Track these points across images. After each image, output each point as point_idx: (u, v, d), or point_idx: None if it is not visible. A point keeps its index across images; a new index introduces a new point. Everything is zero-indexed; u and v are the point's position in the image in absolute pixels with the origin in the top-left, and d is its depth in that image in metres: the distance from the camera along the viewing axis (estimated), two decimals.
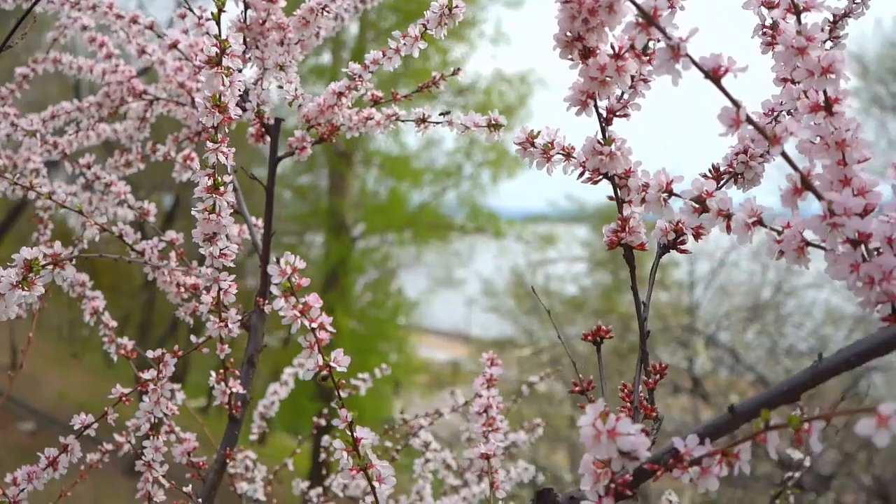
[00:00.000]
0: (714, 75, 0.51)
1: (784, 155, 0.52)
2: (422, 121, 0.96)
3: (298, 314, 0.63)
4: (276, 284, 0.62)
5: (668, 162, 0.71)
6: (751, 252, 8.20)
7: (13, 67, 1.36)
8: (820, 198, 0.52)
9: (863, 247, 0.53)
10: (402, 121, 0.98)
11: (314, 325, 0.63)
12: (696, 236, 0.68)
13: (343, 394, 0.66)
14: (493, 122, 0.85)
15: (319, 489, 1.39)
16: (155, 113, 1.25)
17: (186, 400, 1.15)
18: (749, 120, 0.51)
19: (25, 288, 0.69)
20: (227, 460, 1.01)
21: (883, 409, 0.40)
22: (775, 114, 0.70)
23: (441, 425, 1.62)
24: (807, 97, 0.55)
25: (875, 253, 0.53)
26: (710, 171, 0.70)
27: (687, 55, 0.51)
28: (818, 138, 0.55)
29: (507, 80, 10.63)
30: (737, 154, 0.70)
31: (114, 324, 1.12)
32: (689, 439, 0.53)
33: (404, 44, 0.89)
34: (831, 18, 0.73)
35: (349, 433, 0.66)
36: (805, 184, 0.52)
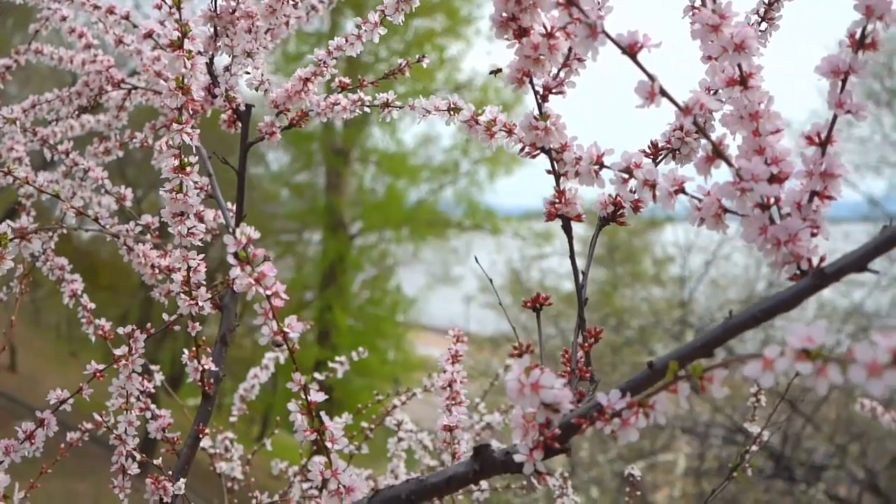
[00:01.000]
0: (630, 51, 0.55)
1: (697, 125, 0.55)
2: (385, 105, 0.99)
3: (254, 282, 0.66)
4: (231, 254, 0.65)
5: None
6: (746, 247, 8.25)
7: None
8: (730, 165, 0.55)
9: (775, 211, 0.57)
10: (368, 106, 1.01)
11: (269, 292, 0.67)
12: (635, 209, 0.71)
13: (291, 357, 0.69)
14: (452, 106, 0.88)
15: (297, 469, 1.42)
16: (133, 102, 1.28)
17: (185, 404, 1.19)
18: (663, 92, 0.54)
19: None
20: (200, 435, 1.04)
21: (768, 353, 0.44)
22: (712, 92, 0.74)
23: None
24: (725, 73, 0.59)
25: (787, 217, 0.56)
26: (648, 146, 0.73)
27: (604, 32, 0.54)
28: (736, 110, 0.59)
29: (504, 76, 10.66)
30: (674, 130, 0.73)
31: (92, 306, 1.15)
32: (611, 394, 0.56)
33: (365, 30, 0.93)
34: (766, 1, 0.77)
35: (304, 396, 0.69)
36: (716, 152, 0.56)
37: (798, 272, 0.55)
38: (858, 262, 0.51)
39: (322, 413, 0.69)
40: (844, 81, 0.56)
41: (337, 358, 1.36)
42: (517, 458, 0.59)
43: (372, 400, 1.40)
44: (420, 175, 12.55)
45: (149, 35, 1.11)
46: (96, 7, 1.17)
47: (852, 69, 0.56)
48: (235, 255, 0.66)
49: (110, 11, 1.16)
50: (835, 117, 0.56)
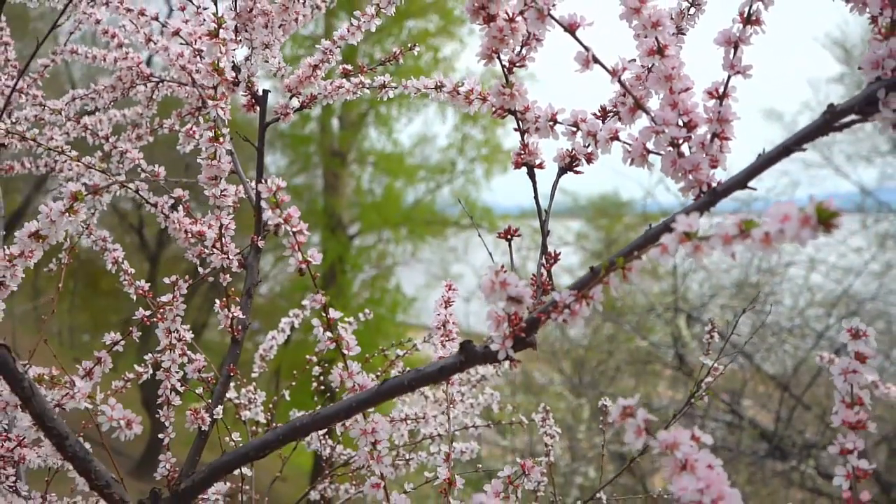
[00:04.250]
0: (571, 29, 0.72)
1: (622, 84, 0.73)
2: (383, 86, 1.16)
3: (283, 221, 0.84)
4: (264, 199, 0.83)
5: None
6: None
7: None
8: (648, 114, 0.73)
9: (686, 149, 0.74)
10: (368, 88, 1.18)
11: (295, 229, 0.84)
12: (588, 160, 0.89)
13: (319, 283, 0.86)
14: (438, 84, 1.06)
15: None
16: (160, 94, 1.46)
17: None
18: (595, 60, 0.72)
19: (71, 214, 0.89)
20: (231, 374, 1.21)
21: (663, 240, 0.61)
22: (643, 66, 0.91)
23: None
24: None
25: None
26: (598, 109, 0.91)
27: (549, 15, 0.71)
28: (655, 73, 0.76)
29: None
30: (619, 96, 0.90)
31: (132, 270, 1.32)
32: (563, 293, 0.73)
33: (364, 21, 1.10)
34: None
35: (325, 314, 0.87)
36: (637, 104, 0.73)
37: (700, 193, 0.72)
38: (742, 181, 0.69)
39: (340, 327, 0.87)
40: (736, 48, 0.73)
41: (346, 319, 1.52)
42: (493, 347, 0.76)
43: (378, 351, 1.57)
44: (417, 175, 12.72)
45: (176, 33, 1.29)
46: (129, 10, 1.34)
47: (741, 39, 0.73)
48: (267, 199, 0.84)
49: (142, 13, 1.34)
50: (729, 76, 0.73)
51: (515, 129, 0.85)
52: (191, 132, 1.43)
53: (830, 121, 0.66)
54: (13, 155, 1.69)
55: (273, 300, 11.39)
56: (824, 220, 0.48)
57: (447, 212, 12.81)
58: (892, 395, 1.87)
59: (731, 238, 0.55)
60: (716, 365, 1.28)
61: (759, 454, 6.10)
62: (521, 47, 0.82)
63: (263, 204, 0.83)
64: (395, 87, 1.14)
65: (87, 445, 0.90)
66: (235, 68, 1.21)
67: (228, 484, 1.32)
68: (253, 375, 1.62)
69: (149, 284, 1.29)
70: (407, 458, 1.43)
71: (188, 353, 1.25)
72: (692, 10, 0.94)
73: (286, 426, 0.81)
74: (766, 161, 0.68)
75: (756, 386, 7.48)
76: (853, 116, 0.66)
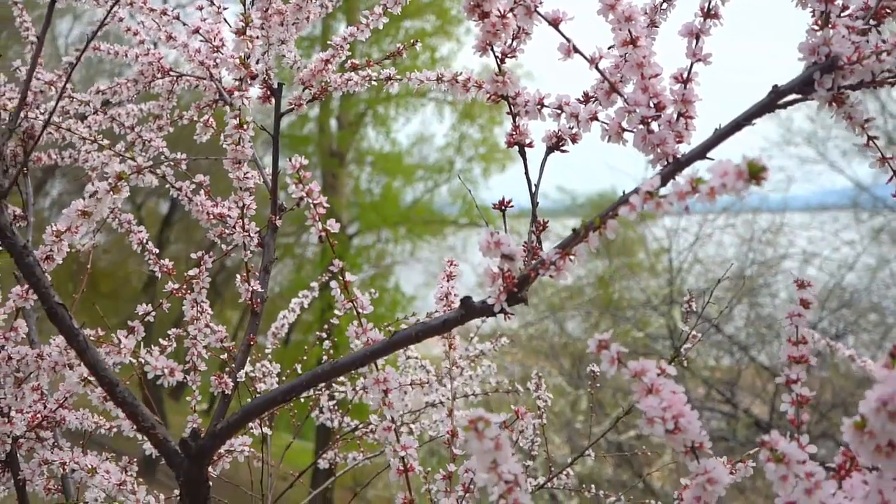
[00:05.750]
0: (554, 23, 0.84)
1: (599, 71, 0.84)
2: (388, 79, 1.28)
3: (305, 195, 0.95)
4: (288, 175, 0.94)
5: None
6: (735, 233, 8.57)
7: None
8: (621, 96, 0.84)
9: (656, 126, 0.86)
10: (374, 81, 1.30)
11: (315, 202, 0.95)
12: (573, 140, 1.00)
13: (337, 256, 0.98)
14: (439, 75, 1.17)
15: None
16: (179, 87, 1.57)
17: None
18: (575, 49, 0.83)
19: (115, 192, 1.00)
20: (251, 343, 1.32)
21: (632, 199, 0.72)
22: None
23: None
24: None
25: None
26: (582, 95, 1.02)
27: (536, 11, 0.83)
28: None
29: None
30: (599, 82, 1.02)
31: (156, 251, 1.44)
32: (549, 252, 0.85)
33: (372, 19, 1.21)
34: None
35: (342, 278, 0.98)
36: (612, 88, 0.85)
37: (667, 164, 0.83)
38: (701, 153, 0.80)
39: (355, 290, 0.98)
40: (697, 38, 0.85)
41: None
42: (489, 300, 0.87)
43: (382, 327, 1.69)
44: (415, 174, 12.84)
45: (196, 31, 1.40)
46: (152, 10, 1.46)
47: (702, 31, 0.85)
48: (291, 175, 0.95)
49: (164, 13, 1.45)
50: (691, 63, 0.85)
51: (508, 113, 0.96)
52: (208, 122, 1.54)
53: (775, 99, 0.78)
54: (39, 147, 1.81)
55: (273, 300, 11.49)
56: (754, 174, 0.60)
57: (445, 211, 12.92)
58: (868, 369, 1.99)
59: (685, 193, 0.67)
60: (693, 333, 1.40)
61: (756, 444, 6.22)
62: (513, 40, 0.93)
63: (288, 180, 0.94)
64: (400, 80, 1.26)
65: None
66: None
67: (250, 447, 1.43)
68: (266, 351, 1.74)
69: (173, 264, 1.40)
70: (411, 425, 1.54)
71: (210, 324, 1.36)
72: (664, 6, 1.06)
73: (309, 373, 0.92)
74: (720, 135, 0.80)
75: (752, 379, 7.61)
76: (795, 96, 0.78)
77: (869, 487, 0.61)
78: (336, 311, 1.03)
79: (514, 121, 0.96)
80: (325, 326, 1.79)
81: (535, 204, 0.98)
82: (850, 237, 8.37)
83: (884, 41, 0.77)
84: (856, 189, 8.77)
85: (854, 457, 0.73)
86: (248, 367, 1.59)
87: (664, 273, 8.75)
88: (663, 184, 0.82)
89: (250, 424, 1.76)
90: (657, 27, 1.01)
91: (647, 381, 0.71)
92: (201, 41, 1.44)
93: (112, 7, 1.16)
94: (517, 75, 0.93)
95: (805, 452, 0.66)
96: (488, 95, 0.96)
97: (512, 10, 0.89)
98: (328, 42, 1.26)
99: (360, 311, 0.97)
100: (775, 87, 0.78)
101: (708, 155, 0.80)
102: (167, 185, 1.45)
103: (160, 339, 1.36)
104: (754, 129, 0.84)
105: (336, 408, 1.71)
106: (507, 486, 0.68)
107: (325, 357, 1.82)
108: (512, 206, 0.99)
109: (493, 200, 1.03)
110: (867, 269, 8.03)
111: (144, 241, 1.46)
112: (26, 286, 1.10)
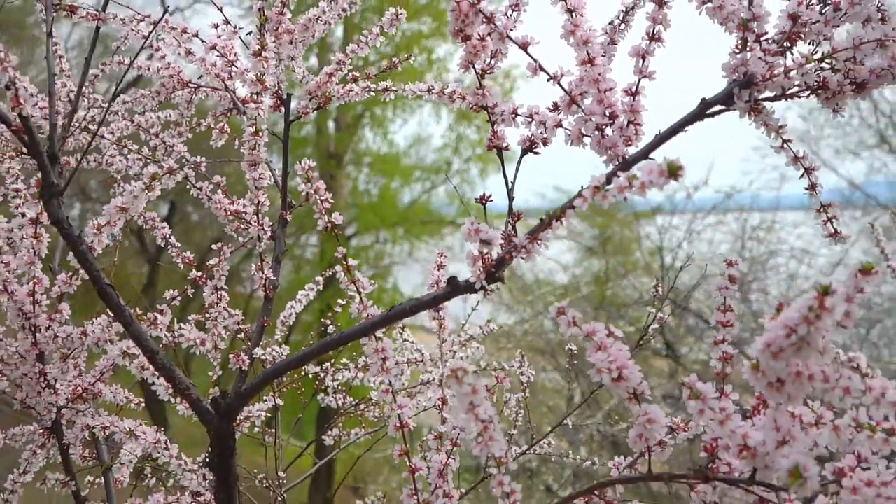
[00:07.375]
0: (523, 46, 1.00)
1: (560, 86, 1.01)
2: (386, 90, 1.45)
3: (313, 192, 1.11)
4: (298, 175, 1.11)
5: None
6: (730, 231, 8.75)
7: None
8: (579, 107, 1.01)
9: (609, 132, 1.02)
10: (374, 92, 1.47)
11: (322, 198, 1.12)
12: (544, 143, 1.17)
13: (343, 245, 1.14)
14: (430, 87, 1.34)
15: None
16: (197, 98, 1.73)
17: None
18: (541, 68, 1.00)
19: (149, 191, 1.17)
20: (265, 325, 1.49)
21: (614, 183, 0.88)
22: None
23: None
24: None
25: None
26: (551, 104, 1.19)
27: (508, 37, 0.99)
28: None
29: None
30: (563, 95, 1.18)
31: (178, 244, 1.60)
32: (521, 238, 1.01)
33: (371, 38, 1.38)
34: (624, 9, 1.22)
35: (345, 262, 1.14)
36: (572, 100, 1.01)
37: (618, 163, 1.00)
38: (644, 154, 0.97)
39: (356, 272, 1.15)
40: (644, 58, 1.01)
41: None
42: (471, 279, 1.04)
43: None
44: (412, 175, 13.00)
45: (213, 47, 1.57)
46: (173, 28, 1.62)
47: (647, 53, 1.01)
48: (301, 175, 1.12)
49: (184, 31, 1.61)
50: (639, 79, 1.02)
51: (487, 121, 1.13)
52: (223, 129, 1.70)
53: (703, 109, 0.94)
54: (67, 152, 1.97)
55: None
56: (673, 171, 0.77)
57: (443, 211, 13.07)
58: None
59: (623, 188, 0.83)
60: (661, 315, 1.56)
61: None
62: (491, 59, 1.10)
63: (298, 178, 1.10)
64: (396, 90, 1.43)
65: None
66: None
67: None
68: (276, 338, 1.90)
69: (193, 256, 1.56)
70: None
71: (227, 309, 1.53)
72: (622, 26, 1.23)
73: (319, 343, 1.09)
74: (659, 140, 0.96)
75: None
76: (720, 107, 0.95)
77: (766, 417, 0.78)
78: (339, 302, 1.19)
79: (493, 127, 1.13)
80: (329, 314, 1.95)
81: (511, 197, 1.14)
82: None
83: (794, 61, 0.94)
84: (849, 187, 8.95)
85: (765, 399, 0.89)
86: (258, 352, 1.76)
87: (659, 271, 8.92)
88: (609, 181, 0.99)
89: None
90: (616, 44, 1.18)
91: (598, 340, 0.88)
92: (217, 56, 1.60)
93: (149, 35, 1.32)
94: (498, 90, 1.10)
95: (717, 392, 0.82)
96: (470, 106, 1.13)
97: (489, 34, 1.06)
98: (326, 50, 1.43)
99: (362, 290, 1.14)
100: (703, 99, 0.94)
101: (650, 156, 0.97)
102: (171, 188, 1.62)
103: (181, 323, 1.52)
104: (750, 128, 1.01)
105: (340, 388, 1.87)
106: (483, 424, 0.84)
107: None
108: (492, 201, 1.16)
109: (492, 201, 1.20)
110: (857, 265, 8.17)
111: (168, 235, 1.62)
112: (70, 273, 1.27)
